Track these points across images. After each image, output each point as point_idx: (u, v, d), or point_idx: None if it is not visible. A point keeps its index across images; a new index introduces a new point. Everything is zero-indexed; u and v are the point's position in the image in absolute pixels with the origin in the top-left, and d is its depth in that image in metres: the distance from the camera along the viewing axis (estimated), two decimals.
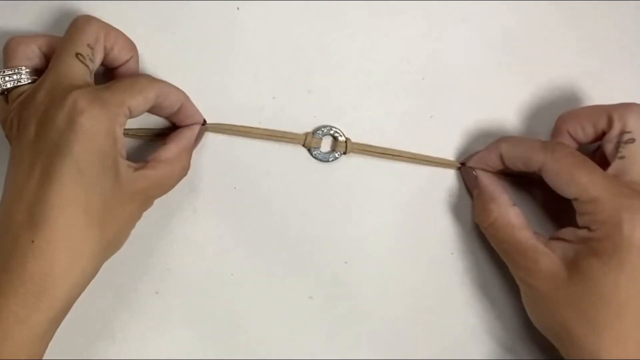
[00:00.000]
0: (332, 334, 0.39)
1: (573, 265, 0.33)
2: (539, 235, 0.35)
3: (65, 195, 0.30)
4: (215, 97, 0.40)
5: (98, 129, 0.31)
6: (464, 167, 0.39)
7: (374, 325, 0.39)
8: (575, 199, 0.33)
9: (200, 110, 0.39)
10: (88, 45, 0.34)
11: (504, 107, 0.42)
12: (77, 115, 0.31)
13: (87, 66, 0.34)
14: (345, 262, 0.39)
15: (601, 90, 0.42)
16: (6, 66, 0.35)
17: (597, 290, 0.32)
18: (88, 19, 0.35)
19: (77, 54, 0.34)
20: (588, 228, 0.33)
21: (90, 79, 0.34)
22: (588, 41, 0.42)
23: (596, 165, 0.34)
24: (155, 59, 0.40)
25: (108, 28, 0.36)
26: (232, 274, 0.39)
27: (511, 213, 0.36)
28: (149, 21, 0.40)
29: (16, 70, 0.34)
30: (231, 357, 0.38)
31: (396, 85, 0.41)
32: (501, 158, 0.37)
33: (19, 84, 0.34)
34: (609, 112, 0.35)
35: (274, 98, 0.40)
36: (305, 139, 0.40)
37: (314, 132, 0.40)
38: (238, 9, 0.41)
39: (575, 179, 0.33)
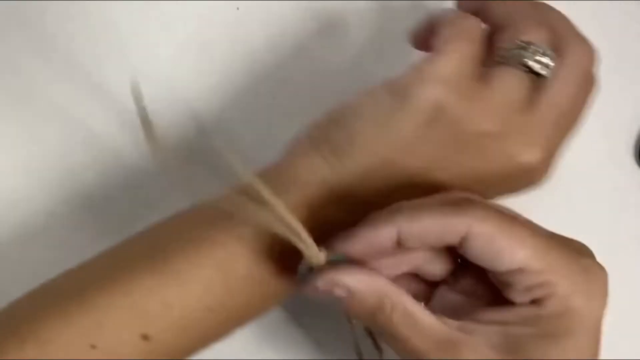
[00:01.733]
0: (332, 334, 0.39)
1: (512, 351, 0.25)
2: (444, 319, 0.26)
3: None
4: (215, 98, 0.40)
5: None
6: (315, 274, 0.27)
7: None
8: (519, 269, 0.25)
9: (200, 111, 0.39)
10: None
11: None
12: None
13: None
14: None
15: (602, 90, 0.42)
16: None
17: None
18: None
19: None
20: (537, 304, 0.25)
21: None
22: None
23: (531, 221, 0.27)
24: (155, 59, 0.40)
25: None
26: None
27: (407, 297, 0.26)
28: (149, 21, 0.40)
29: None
30: (231, 357, 0.38)
31: None
32: (398, 241, 0.25)
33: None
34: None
35: (274, 98, 0.40)
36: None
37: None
38: (238, 9, 0.41)
39: (520, 243, 0.25)
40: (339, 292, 0.26)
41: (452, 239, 0.25)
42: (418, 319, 0.26)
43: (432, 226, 0.25)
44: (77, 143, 0.39)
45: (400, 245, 0.26)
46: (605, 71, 0.43)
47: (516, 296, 0.25)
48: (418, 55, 0.34)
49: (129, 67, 0.40)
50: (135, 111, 0.39)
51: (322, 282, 0.26)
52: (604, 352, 0.37)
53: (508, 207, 0.27)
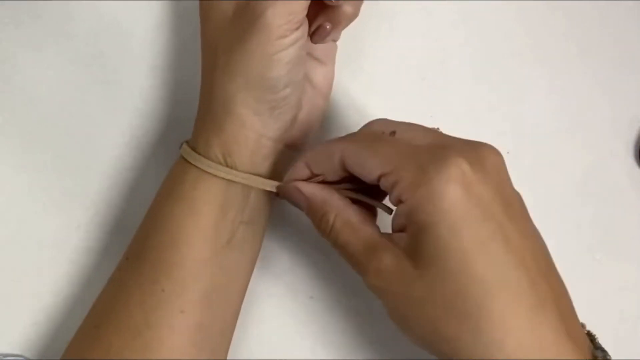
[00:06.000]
0: (332, 334, 0.39)
1: (414, 254, 0.28)
2: (387, 232, 0.31)
3: None
4: None
5: None
6: (279, 186, 0.34)
7: (374, 325, 0.39)
8: (380, 175, 0.29)
9: None
10: None
11: (505, 107, 0.42)
12: None
13: None
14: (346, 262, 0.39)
15: (602, 90, 0.42)
16: None
17: (445, 273, 0.27)
18: None
19: None
20: (401, 201, 0.28)
21: None
22: (589, 41, 0.43)
23: (408, 128, 0.31)
24: (155, 59, 0.40)
25: None
26: None
27: (350, 210, 0.32)
28: (149, 21, 0.40)
29: None
30: (231, 357, 0.38)
31: (396, 86, 0.41)
32: (308, 166, 0.33)
33: None
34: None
35: None
36: None
37: None
38: None
39: (375, 153, 0.30)
40: (300, 197, 0.33)
41: (336, 160, 0.31)
42: (355, 227, 0.31)
43: (321, 154, 0.32)
44: (77, 143, 0.39)
45: (312, 172, 0.33)
46: (605, 71, 0.43)
47: (392, 199, 0.29)
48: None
49: (130, 67, 0.40)
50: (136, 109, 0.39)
51: (286, 192, 0.33)
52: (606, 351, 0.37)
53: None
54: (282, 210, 0.39)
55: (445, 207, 0.26)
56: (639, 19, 0.43)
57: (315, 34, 0.34)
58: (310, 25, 0.34)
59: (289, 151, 0.35)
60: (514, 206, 0.29)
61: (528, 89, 0.42)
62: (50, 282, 0.38)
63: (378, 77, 0.41)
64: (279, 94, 0.33)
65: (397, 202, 0.29)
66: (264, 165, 0.34)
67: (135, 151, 0.40)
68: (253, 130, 0.33)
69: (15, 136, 0.39)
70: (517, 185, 0.40)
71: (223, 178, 0.33)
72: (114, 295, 0.33)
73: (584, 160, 0.42)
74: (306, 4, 0.32)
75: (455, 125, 0.41)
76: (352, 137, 0.32)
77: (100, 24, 0.40)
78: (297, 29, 0.32)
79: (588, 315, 0.40)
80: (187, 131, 0.39)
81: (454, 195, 0.26)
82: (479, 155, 0.28)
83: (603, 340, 0.40)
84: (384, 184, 0.29)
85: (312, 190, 0.33)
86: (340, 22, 0.35)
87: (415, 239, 0.28)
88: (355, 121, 0.40)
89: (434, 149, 0.29)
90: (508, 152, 0.41)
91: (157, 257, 0.32)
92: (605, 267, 0.41)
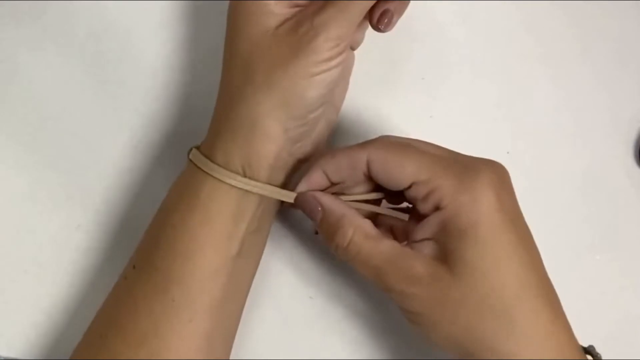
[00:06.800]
0: (332, 334, 0.39)
1: (449, 258, 0.29)
2: (404, 243, 0.32)
3: None
4: (215, 97, 0.40)
5: None
6: (299, 195, 0.33)
7: (374, 325, 0.39)
8: (413, 183, 0.30)
9: (201, 111, 0.39)
10: None
11: (505, 107, 0.42)
12: None
13: None
14: (346, 262, 0.39)
15: (602, 90, 0.42)
16: None
17: (483, 274, 0.29)
18: None
19: None
20: (438, 208, 0.30)
21: None
22: (589, 41, 0.43)
23: (423, 142, 0.32)
24: (155, 59, 0.40)
25: None
26: None
27: (366, 225, 0.32)
28: (149, 21, 0.41)
29: None
30: (231, 357, 0.38)
31: (395, 85, 0.41)
32: (326, 175, 0.33)
33: None
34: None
35: None
36: None
37: None
38: None
39: (407, 161, 0.30)
40: (316, 208, 0.33)
41: (360, 167, 0.31)
42: (376, 240, 0.31)
43: (342, 163, 0.32)
44: (77, 143, 0.39)
45: (330, 181, 0.33)
46: (605, 72, 0.43)
47: (423, 208, 0.30)
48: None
49: (130, 67, 0.40)
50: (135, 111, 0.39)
51: (301, 201, 0.33)
52: (605, 351, 0.37)
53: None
54: (281, 210, 0.39)
55: (485, 212, 0.29)
56: (639, 18, 0.43)
57: (380, 21, 0.34)
58: (371, 13, 0.34)
59: (299, 164, 0.35)
60: (523, 217, 0.31)
61: (528, 88, 0.42)
62: (50, 283, 0.38)
63: (378, 77, 0.41)
64: (314, 113, 0.33)
65: (434, 209, 0.30)
66: (279, 179, 0.34)
67: (135, 151, 0.40)
68: (277, 145, 0.33)
69: (15, 136, 0.39)
70: (517, 185, 0.40)
71: (241, 189, 0.33)
72: (121, 303, 0.33)
73: (584, 160, 0.42)
74: (355, 26, 0.32)
75: (455, 125, 0.41)
76: (376, 144, 0.32)
77: (100, 24, 0.40)
78: (344, 51, 0.32)
79: (588, 315, 0.40)
80: (186, 131, 0.39)
81: (492, 201, 0.29)
82: (498, 170, 0.31)
83: (603, 340, 0.40)
84: (413, 192, 0.30)
85: (329, 202, 0.33)
86: (402, 9, 0.35)
87: (451, 244, 0.29)
88: (353, 120, 0.40)
89: (461, 160, 0.31)
90: (508, 152, 0.41)
91: (168, 267, 0.32)
92: (605, 267, 0.41)
